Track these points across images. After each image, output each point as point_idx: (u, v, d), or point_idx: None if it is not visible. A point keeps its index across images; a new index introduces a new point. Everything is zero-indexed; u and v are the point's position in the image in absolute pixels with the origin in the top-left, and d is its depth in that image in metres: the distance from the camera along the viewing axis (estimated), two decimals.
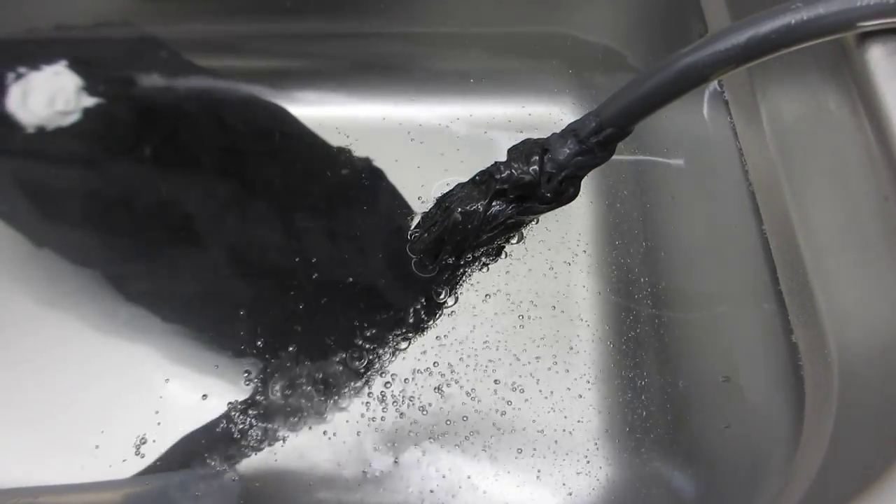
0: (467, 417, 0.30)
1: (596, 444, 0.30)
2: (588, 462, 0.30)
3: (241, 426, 0.33)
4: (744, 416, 0.28)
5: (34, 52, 0.43)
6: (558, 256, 0.36)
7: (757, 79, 0.30)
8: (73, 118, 0.42)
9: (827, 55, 0.25)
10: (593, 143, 0.25)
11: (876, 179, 0.21)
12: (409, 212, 0.36)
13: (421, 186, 0.35)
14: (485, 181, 0.26)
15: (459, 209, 0.26)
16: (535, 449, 0.30)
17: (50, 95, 0.42)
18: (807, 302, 0.25)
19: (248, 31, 0.47)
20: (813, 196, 0.25)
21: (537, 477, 0.29)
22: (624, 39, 0.44)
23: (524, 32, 0.45)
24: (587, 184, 0.40)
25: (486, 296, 0.32)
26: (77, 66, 0.43)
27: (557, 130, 0.28)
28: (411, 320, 0.30)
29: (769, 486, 0.23)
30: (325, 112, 0.45)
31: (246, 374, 0.34)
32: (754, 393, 0.27)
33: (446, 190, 0.28)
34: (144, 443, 0.32)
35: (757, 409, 0.27)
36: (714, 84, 0.35)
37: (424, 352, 0.31)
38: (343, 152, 0.41)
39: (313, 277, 0.34)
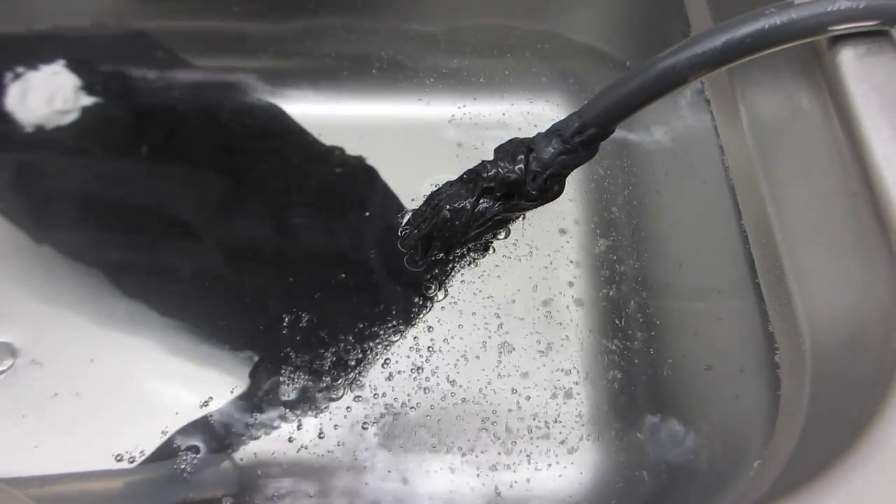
0: (456, 407, 0.31)
1: (583, 430, 0.31)
2: (576, 448, 0.31)
3: (237, 417, 0.33)
4: (724, 401, 0.29)
5: (33, 52, 0.43)
6: (545, 250, 0.36)
7: (737, 80, 0.31)
8: (72, 117, 0.42)
9: (801, 57, 0.26)
10: (577, 142, 0.26)
11: (845, 176, 0.22)
12: (401, 209, 0.36)
13: (412, 184, 0.36)
14: (472, 179, 0.27)
15: (448, 206, 0.27)
16: (523, 436, 0.31)
17: (49, 95, 0.42)
18: (782, 293, 0.26)
19: (241, 31, 0.47)
20: (788, 192, 0.26)
21: (528, 463, 0.30)
22: (610, 39, 0.45)
23: (513, 32, 0.46)
24: (574, 179, 0.41)
25: (475, 289, 0.33)
26: (75, 65, 0.43)
27: (545, 129, 0.29)
28: (402, 314, 0.30)
29: (747, 466, 0.24)
30: (318, 110, 0.45)
31: (242, 367, 0.35)
32: (734, 380, 0.28)
33: (436, 188, 0.29)
34: (144, 433, 0.33)
35: (736, 395, 0.28)
36: (696, 84, 0.36)
37: (415, 344, 0.32)
38: (336, 150, 0.42)
39: (307, 273, 0.34)
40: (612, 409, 0.32)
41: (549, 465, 0.30)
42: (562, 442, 0.31)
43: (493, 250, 0.30)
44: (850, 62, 0.24)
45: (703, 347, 0.31)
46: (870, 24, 0.24)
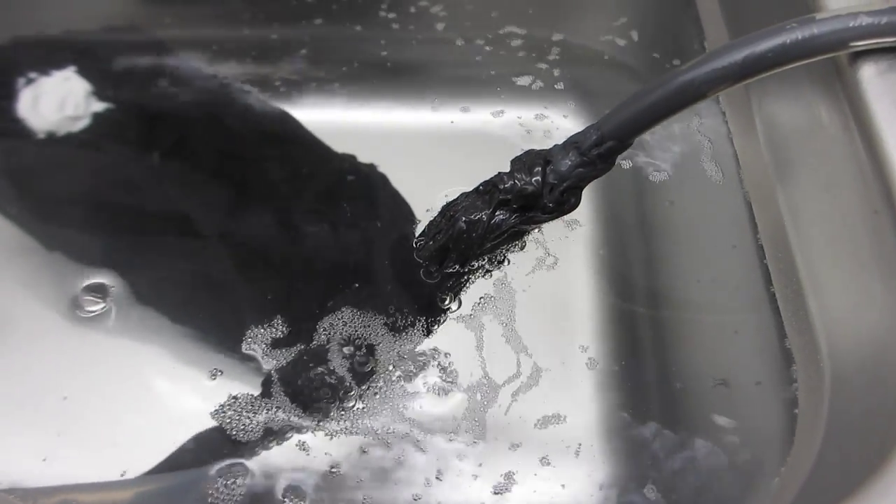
0: (469, 416, 0.31)
1: (592, 439, 0.31)
2: (583, 456, 0.31)
3: (247, 424, 0.33)
4: (738, 418, 0.29)
5: (44, 57, 0.44)
6: (560, 262, 0.36)
7: (753, 91, 0.31)
8: (83, 123, 0.42)
9: (821, 71, 0.26)
10: (594, 155, 0.26)
11: (866, 192, 0.22)
12: (414, 219, 0.36)
13: (425, 194, 0.36)
14: (489, 191, 0.27)
15: (464, 218, 0.27)
16: (533, 443, 0.31)
17: (60, 100, 0.43)
18: (800, 309, 0.25)
19: (251, 37, 0.48)
20: (806, 206, 0.26)
21: (534, 471, 0.30)
22: (623, 47, 0.45)
23: (526, 41, 0.46)
24: (588, 190, 0.41)
25: (490, 301, 0.33)
26: (86, 71, 0.44)
27: (559, 138, 0.28)
28: (416, 325, 0.30)
29: (762, 487, 0.24)
30: (328, 117, 0.45)
31: (253, 374, 0.35)
32: (748, 396, 0.28)
33: (451, 199, 0.29)
34: (154, 442, 0.33)
35: (751, 412, 0.28)
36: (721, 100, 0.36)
37: (429, 355, 0.32)
38: (347, 158, 0.42)
39: (318, 282, 0.35)
40: (623, 418, 0.32)
41: (558, 471, 0.30)
42: (571, 448, 0.31)
43: (509, 262, 0.30)
44: (872, 78, 0.24)
45: (717, 361, 0.31)
46: (892, 39, 0.24)
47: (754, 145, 0.30)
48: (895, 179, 0.21)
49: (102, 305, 0.39)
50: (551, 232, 0.35)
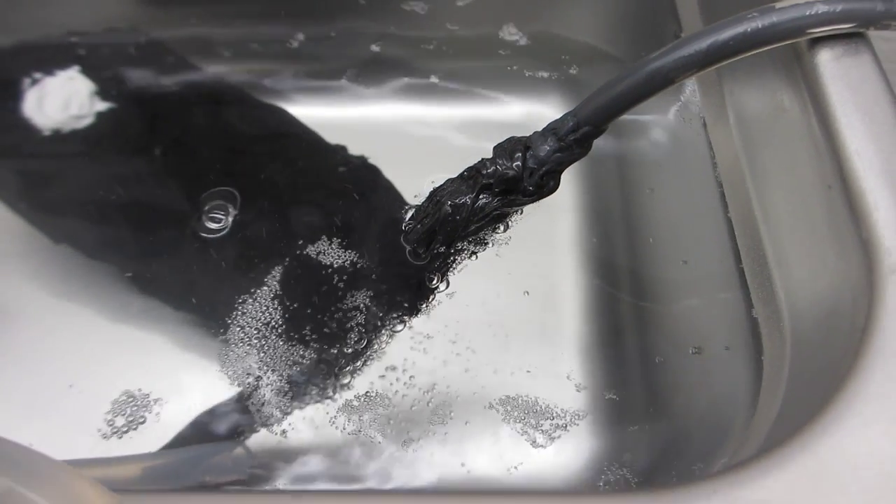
0: (458, 390, 0.33)
1: (579, 408, 0.33)
2: (573, 424, 0.32)
3: (248, 404, 0.35)
4: (711, 382, 0.30)
5: (48, 58, 0.45)
6: (544, 244, 0.38)
7: (725, 79, 0.32)
8: (87, 121, 0.43)
9: (783, 58, 0.27)
10: (571, 140, 0.27)
11: (821, 170, 0.24)
12: (404, 205, 0.38)
13: (414, 182, 0.37)
14: (472, 176, 0.28)
15: (449, 202, 0.28)
16: (523, 415, 0.32)
17: (64, 100, 0.44)
18: (765, 280, 0.27)
19: (247, 36, 0.49)
20: (771, 186, 0.28)
21: (524, 440, 0.32)
22: (607, 37, 0.46)
23: (513, 34, 0.47)
24: (572, 176, 0.42)
25: (475, 280, 0.34)
26: (89, 71, 0.45)
27: (544, 125, 0.30)
28: (406, 304, 0.32)
29: (732, 439, 0.25)
30: (322, 112, 0.46)
31: (253, 357, 0.36)
32: (720, 362, 0.30)
33: (437, 185, 0.30)
34: (158, 422, 0.34)
35: (723, 376, 0.29)
36: (689, 83, 0.37)
37: (418, 332, 0.33)
38: (340, 150, 0.43)
39: (313, 267, 0.36)
40: (609, 388, 0.33)
41: (549, 441, 0.32)
42: (560, 418, 0.32)
43: (493, 244, 0.32)
44: (828, 62, 0.25)
45: (693, 333, 0.33)
46: (846, 26, 0.25)
47: (726, 130, 0.31)
48: (846, 156, 0.23)
49: (110, 296, 0.40)
50: (533, 216, 0.36)
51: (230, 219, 0.41)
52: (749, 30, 0.25)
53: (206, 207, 0.42)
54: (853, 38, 0.26)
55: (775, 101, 0.27)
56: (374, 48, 0.48)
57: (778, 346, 0.25)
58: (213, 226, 0.41)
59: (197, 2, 0.48)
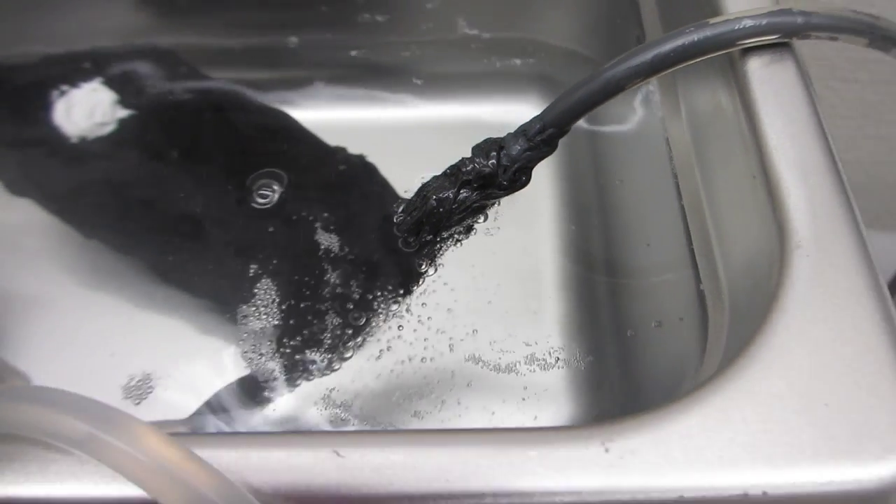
0: (447, 357, 0.37)
1: (559, 374, 0.37)
2: (554, 387, 0.37)
3: (263, 379, 0.39)
4: (668, 349, 0.34)
5: (74, 71, 0.48)
6: (524, 231, 0.42)
7: (679, 82, 0.36)
8: (111, 128, 0.46)
9: (721, 65, 0.31)
10: (539, 140, 0.31)
11: (748, 162, 0.28)
12: (397, 200, 0.42)
13: (406, 178, 0.41)
14: (454, 173, 0.32)
15: (435, 197, 0.32)
16: (506, 385, 0.36)
17: (90, 109, 0.46)
18: (710, 259, 0.31)
19: (252, 45, 0.52)
20: (713, 175, 0.32)
21: (511, 403, 0.36)
22: (579, 40, 0.49)
23: (497, 39, 0.50)
24: (552, 170, 0.46)
25: (459, 265, 0.38)
26: (111, 82, 0.48)
27: (516, 128, 0.34)
28: (400, 287, 0.36)
29: (683, 389, 0.29)
30: (322, 116, 0.49)
31: (266, 338, 0.40)
32: (676, 331, 0.34)
33: (424, 181, 0.34)
34: (179, 396, 0.38)
35: (677, 344, 0.33)
36: (651, 87, 0.41)
37: (410, 311, 0.37)
38: (340, 150, 0.46)
39: (316, 257, 0.40)
40: (585, 359, 0.38)
41: (530, 405, 0.36)
42: (540, 387, 0.36)
43: (475, 232, 0.36)
44: (756, 69, 0.29)
45: (655, 308, 0.37)
46: (771, 37, 0.29)
47: (680, 127, 0.35)
48: (767, 151, 0.27)
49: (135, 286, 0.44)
50: (511, 207, 0.41)
51: (239, 215, 0.44)
52: (686, 42, 0.29)
53: (217, 204, 0.46)
54: (779, 47, 0.30)
55: (715, 101, 0.31)
56: (369, 57, 0.51)
57: (719, 314, 0.29)
58: (221, 220, 0.44)
59: (203, 14, 0.51)
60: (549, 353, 0.37)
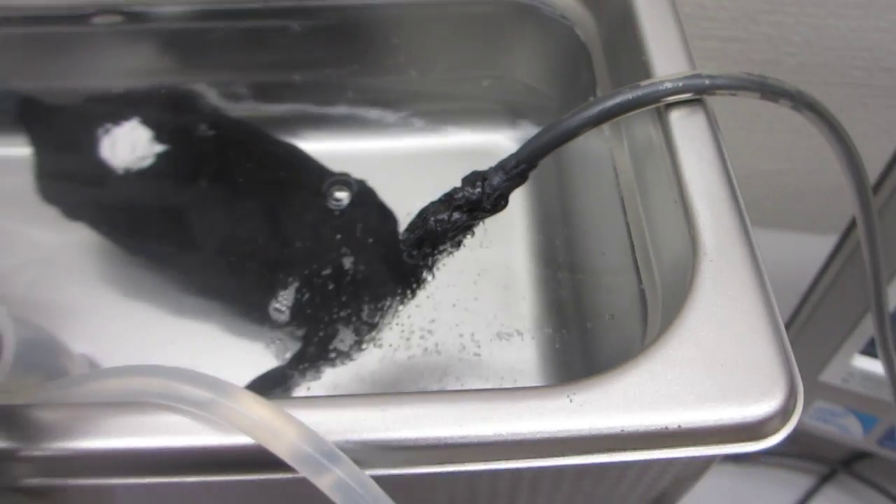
0: (443, 340, 0.46)
1: (533, 357, 0.46)
2: (527, 369, 0.45)
3: (290, 375, 0.46)
4: (620, 336, 0.43)
5: (115, 112, 0.51)
6: (502, 244, 0.51)
7: (623, 124, 0.45)
8: (149, 161, 0.50)
9: (653, 114, 0.40)
10: (514, 173, 0.40)
11: (672, 189, 0.36)
12: (395, 220, 0.48)
13: (404, 203, 0.47)
14: (448, 199, 0.40)
15: (433, 218, 0.40)
16: (490, 365, 0.45)
17: (131, 145, 0.50)
18: (648, 264, 0.39)
19: (268, 85, 0.58)
20: (649, 198, 0.40)
21: (493, 381, 0.44)
22: (545, 82, 0.57)
23: (476, 80, 0.58)
24: (524, 193, 0.55)
25: (453, 273, 0.46)
26: (147, 120, 0.50)
27: (501, 156, 0.42)
28: (405, 291, 0.44)
29: None
30: (326, 147, 0.56)
31: (292, 341, 0.47)
32: (624, 322, 0.42)
33: (423, 206, 0.43)
34: None
35: (626, 332, 0.42)
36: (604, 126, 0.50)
37: (414, 310, 0.46)
38: (343, 176, 0.51)
39: (333, 269, 0.45)
40: (553, 347, 0.46)
41: (510, 382, 0.45)
42: (515, 372, 0.45)
43: (464, 246, 0.44)
44: (676, 119, 0.38)
45: (609, 304, 0.46)
46: (687, 95, 0.38)
47: (624, 159, 0.44)
48: (684, 182, 0.35)
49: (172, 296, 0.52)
50: (493, 225, 0.49)
51: (262, 232, 0.52)
52: (624, 100, 0.37)
53: (242, 226, 0.53)
54: (694, 102, 0.38)
55: (649, 140, 0.40)
56: (367, 97, 0.58)
57: (654, 306, 0.38)
58: (246, 239, 0.52)
59: (217, 59, 0.57)
60: (524, 340, 0.46)
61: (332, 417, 0.28)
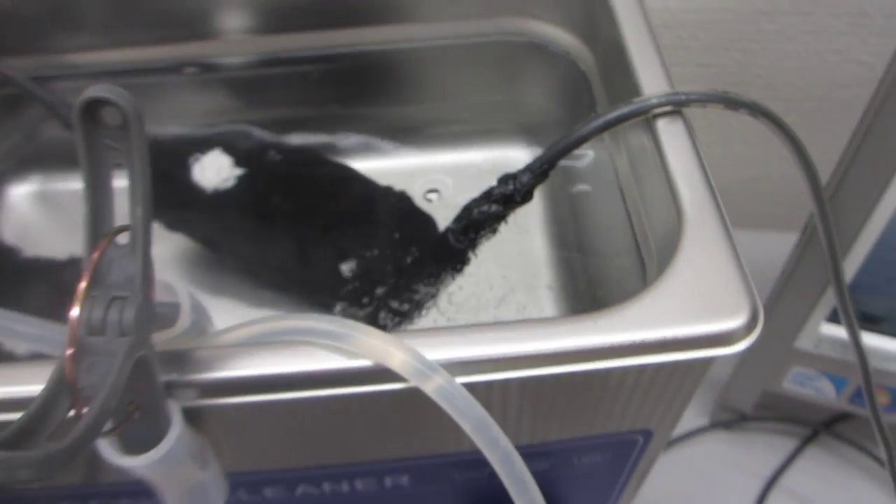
0: (484, 310, 0.57)
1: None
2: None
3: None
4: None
5: (201, 145, 0.58)
6: (524, 233, 0.63)
7: (620, 132, 0.56)
8: (231, 182, 0.58)
9: (644, 123, 0.51)
10: (538, 172, 0.51)
11: (661, 179, 0.48)
12: (433, 219, 0.57)
13: (436, 207, 0.57)
14: (487, 195, 0.52)
15: (476, 210, 0.52)
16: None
17: (216, 170, 0.57)
18: (646, 237, 0.51)
19: (310, 116, 0.66)
20: (644, 188, 0.52)
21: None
22: (555, 102, 0.64)
23: (494, 102, 0.67)
24: (542, 193, 0.67)
25: (490, 254, 0.55)
26: (226, 150, 0.58)
27: (519, 166, 0.53)
28: (454, 268, 0.55)
29: None
30: (369, 165, 0.63)
31: (360, 318, 0.58)
32: (628, 286, 0.54)
33: (467, 201, 0.54)
34: None
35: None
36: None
37: (460, 281, 0.57)
38: (388, 188, 0.59)
39: (397, 256, 0.55)
40: (566, 309, 0.58)
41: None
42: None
43: (499, 232, 0.55)
44: (661, 126, 0.48)
45: (616, 277, 0.57)
46: (668, 108, 0.50)
47: (622, 160, 0.55)
48: (670, 172, 0.47)
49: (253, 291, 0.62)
50: (520, 219, 0.61)
51: (326, 237, 0.62)
52: (620, 113, 0.49)
53: (308, 230, 0.63)
54: (674, 113, 0.50)
55: (641, 144, 0.51)
56: (397, 121, 0.67)
57: (651, 266, 0.49)
58: (315, 240, 0.63)
59: (274, 98, 0.67)
60: (545, 302, 0.57)
61: (427, 343, 0.38)
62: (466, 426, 0.37)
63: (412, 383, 0.36)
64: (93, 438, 0.29)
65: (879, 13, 0.90)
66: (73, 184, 0.69)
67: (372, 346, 0.35)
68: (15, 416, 0.29)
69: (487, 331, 0.39)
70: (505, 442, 0.38)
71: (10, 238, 0.65)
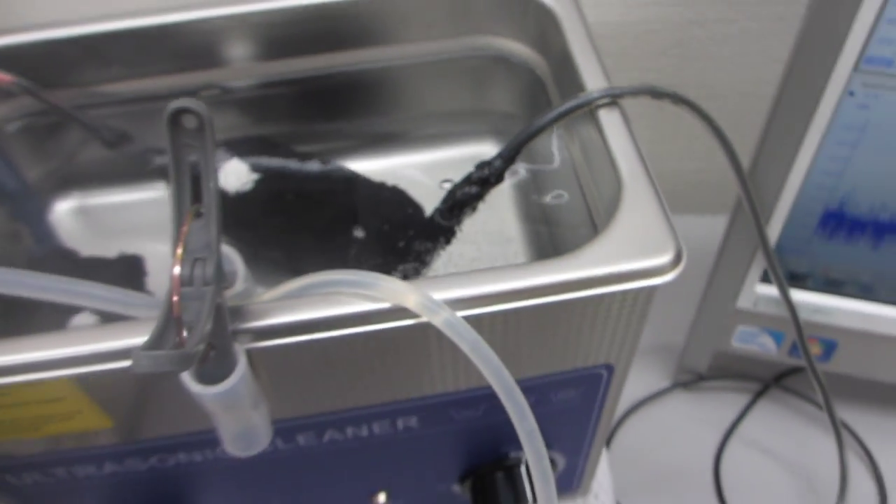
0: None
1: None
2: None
3: None
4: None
5: (223, 154, 0.66)
6: (500, 209, 0.74)
7: (571, 123, 0.69)
8: (251, 185, 0.66)
9: (590, 113, 0.64)
10: (507, 156, 0.64)
11: (606, 158, 0.60)
12: (417, 205, 0.70)
13: (426, 197, 0.68)
14: (467, 179, 0.64)
15: (459, 192, 0.63)
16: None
17: (237, 175, 0.66)
18: (596, 205, 0.63)
19: (319, 130, 0.75)
20: (593, 168, 0.64)
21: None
22: (516, 105, 0.71)
23: (465, 110, 0.74)
24: (512, 180, 0.79)
25: (472, 228, 0.63)
26: (243, 159, 0.66)
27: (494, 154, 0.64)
28: (444, 241, 0.66)
29: None
30: (359, 166, 0.71)
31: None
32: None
33: (452, 184, 0.65)
34: None
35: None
36: (558, 129, 0.74)
37: (449, 251, 0.67)
38: (383, 183, 0.68)
39: (397, 235, 0.67)
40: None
41: None
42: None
43: (478, 210, 0.66)
44: (602, 114, 0.57)
45: (573, 238, 0.69)
46: (607, 100, 0.62)
47: (574, 148, 0.67)
48: (611, 150, 0.60)
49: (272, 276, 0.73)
50: (494, 198, 0.73)
51: (340, 222, 0.73)
52: (570, 105, 0.61)
53: (324, 224, 0.74)
54: (612, 104, 0.61)
55: (589, 134, 0.63)
56: (382, 128, 0.74)
57: (602, 225, 0.61)
58: (329, 230, 0.74)
59: (282, 115, 0.75)
60: (514, 247, 0.70)
61: (433, 287, 0.50)
62: (465, 347, 0.49)
63: (424, 318, 0.48)
64: (197, 355, 0.41)
65: (793, 17, 1.04)
66: (109, 198, 0.80)
67: (392, 289, 0.45)
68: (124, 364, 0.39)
69: (477, 276, 0.50)
70: (496, 360, 0.49)
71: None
